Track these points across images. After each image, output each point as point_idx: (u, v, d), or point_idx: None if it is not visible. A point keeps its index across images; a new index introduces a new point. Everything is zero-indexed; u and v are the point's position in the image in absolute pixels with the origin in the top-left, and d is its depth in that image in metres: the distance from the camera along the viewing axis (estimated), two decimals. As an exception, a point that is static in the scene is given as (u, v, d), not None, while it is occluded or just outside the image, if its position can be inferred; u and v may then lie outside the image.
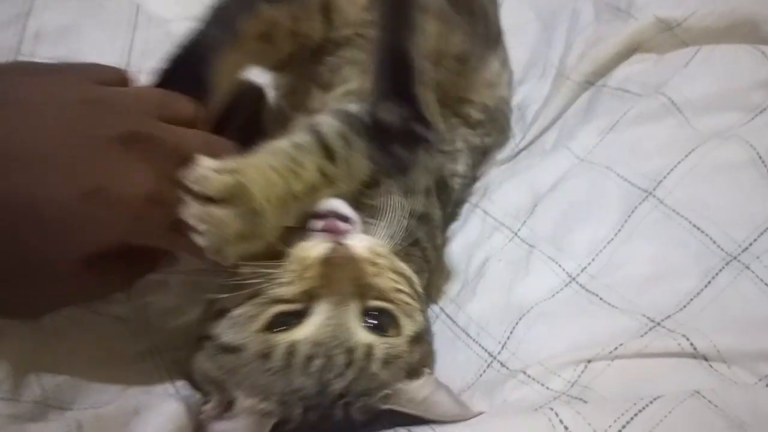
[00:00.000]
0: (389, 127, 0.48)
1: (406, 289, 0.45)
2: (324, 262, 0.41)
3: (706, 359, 0.41)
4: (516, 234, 0.54)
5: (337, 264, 0.42)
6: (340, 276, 0.42)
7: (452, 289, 0.55)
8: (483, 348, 0.50)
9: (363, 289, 0.43)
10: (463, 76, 0.62)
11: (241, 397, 0.41)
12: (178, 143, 0.40)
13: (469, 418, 0.41)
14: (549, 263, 0.50)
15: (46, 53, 0.58)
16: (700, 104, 0.53)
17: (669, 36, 0.58)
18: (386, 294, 0.44)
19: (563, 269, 0.49)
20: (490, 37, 0.67)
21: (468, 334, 0.51)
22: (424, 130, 0.48)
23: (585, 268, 0.49)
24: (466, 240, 0.58)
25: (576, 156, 0.55)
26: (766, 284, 0.43)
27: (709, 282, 0.44)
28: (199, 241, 0.38)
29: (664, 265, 0.46)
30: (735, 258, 0.45)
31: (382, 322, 0.43)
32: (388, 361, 0.41)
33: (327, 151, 0.45)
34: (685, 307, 0.44)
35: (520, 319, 0.48)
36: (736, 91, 0.53)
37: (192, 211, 0.37)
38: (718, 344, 0.41)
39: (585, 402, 0.40)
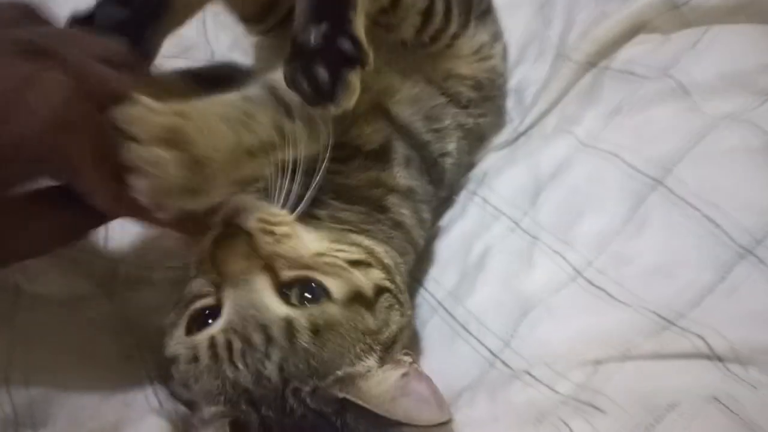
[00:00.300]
0: (310, 47, 0.41)
1: (333, 252, 0.42)
2: (213, 245, 0.39)
3: (721, 360, 0.39)
4: (518, 224, 0.52)
5: (224, 244, 0.39)
6: (230, 254, 0.39)
7: (449, 279, 0.53)
8: (484, 345, 0.47)
9: (268, 262, 0.40)
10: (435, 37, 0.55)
11: (202, 406, 0.39)
12: (101, 77, 0.35)
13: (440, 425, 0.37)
14: (554, 256, 0.48)
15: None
16: (709, 87, 0.51)
17: (675, 15, 0.55)
18: (300, 261, 0.40)
19: (569, 263, 0.47)
20: (473, 6, 0.60)
21: (468, 330, 0.49)
22: (351, 48, 0.41)
23: (592, 262, 0.46)
24: (464, 229, 0.56)
25: (580, 141, 0.53)
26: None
27: (723, 277, 0.42)
28: (137, 184, 0.33)
29: (675, 259, 0.44)
30: (750, 251, 0.43)
31: (314, 292, 0.40)
32: (319, 331, 0.38)
33: (284, 107, 0.41)
34: (698, 304, 0.42)
35: (524, 315, 0.46)
36: (746, 73, 0.51)
37: (133, 150, 0.33)
38: (735, 343, 0.39)
39: (596, 409, 0.37)
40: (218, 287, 0.39)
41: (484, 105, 0.60)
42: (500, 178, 0.57)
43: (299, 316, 0.38)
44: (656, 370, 0.39)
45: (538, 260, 0.48)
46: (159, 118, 0.34)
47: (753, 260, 0.42)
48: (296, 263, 0.40)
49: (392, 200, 0.50)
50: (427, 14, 0.50)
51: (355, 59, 0.41)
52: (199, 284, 0.40)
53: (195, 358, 0.38)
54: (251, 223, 0.40)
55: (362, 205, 0.48)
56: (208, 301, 0.40)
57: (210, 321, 0.39)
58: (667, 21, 0.56)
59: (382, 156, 0.51)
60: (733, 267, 0.42)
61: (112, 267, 0.48)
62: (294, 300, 0.39)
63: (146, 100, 0.34)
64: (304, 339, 0.38)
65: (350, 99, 0.41)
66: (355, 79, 0.41)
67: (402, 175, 0.51)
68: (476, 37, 0.59)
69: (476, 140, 0.61)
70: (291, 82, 0.40)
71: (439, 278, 0.54)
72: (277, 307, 0.39)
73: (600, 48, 0.59)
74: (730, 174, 0.46)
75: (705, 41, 0.53)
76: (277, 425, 0.38)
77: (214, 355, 0.38)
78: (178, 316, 0.40)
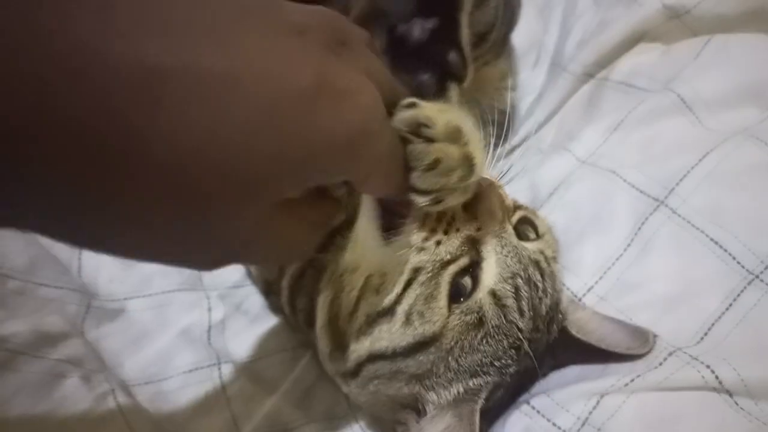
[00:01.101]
0: (413, 41, 0.39)
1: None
2: (470, 203, 0.36)
3: (730, 394, 0.37)
4: (515, 247, 0.49)
5: (484, 197, 0.37)
6: (492, 207, 0.37)
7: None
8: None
9: (506, 211, 0.39)
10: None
11: (439, 394, 0.37)
12: (369, 66, 0.29)
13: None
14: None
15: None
16: (713, 100, 0.49)
17: (677, 24, 0.53)
18: (511, 206, 0.41)
19: (568, 288, 0.45)
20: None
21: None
22: (458, 61, 0.40)
23: (592, 287, 0.44)
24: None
25: (578, 158, 0.51)
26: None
27: (731, 304, 0.40)
28: (419, 182, 0.31)
29: (680, 285, 0.42)
30: (757, 276, 0.41)
31: (526, 230, 0.41)
32: (554, 258, 0.41)
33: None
34: (706, 333, 0.40)
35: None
36: (752, 85, 0.49)
37: (426, 150, 0.31)
38: (744, 376, 0.37)
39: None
40: (472, 244, 0.37)
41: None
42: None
43: (541, 247, 0.40)
44: (662, 404, 0.37)
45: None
46: (444, 117, 0.32)
47: (761, 286, 0.40)
48: (510, 208, 0.40)
49: None
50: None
51: (458, 74, 0.40)
52: (446, 248, 0.36)
53: (479, 321, 0.36)
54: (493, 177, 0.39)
55: None
56: (463, 261, 0.36)
57: (460, 289, 0.37)
58: (670, 30, 0.54)
59: None
60: (741, 293, 0.41)
61: (85, 302, 0.45)
62: (531, 236, 0.41)
63: (425, 102, 0.32)
64: (552, 267, 0.40)
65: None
66: (455, 94, 0.41)
67: None
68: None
69: None
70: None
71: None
72: (529, 245, 0.40)
73: (599, 58, 0.56)
74: (736, 193, 0.44)
75: (708, 52, 0.51)
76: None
77: (502, 310, 0.36)
78: (428, 287, 0.36)
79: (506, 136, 0.50)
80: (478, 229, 0.37)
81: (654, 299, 0.42)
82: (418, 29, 0.39)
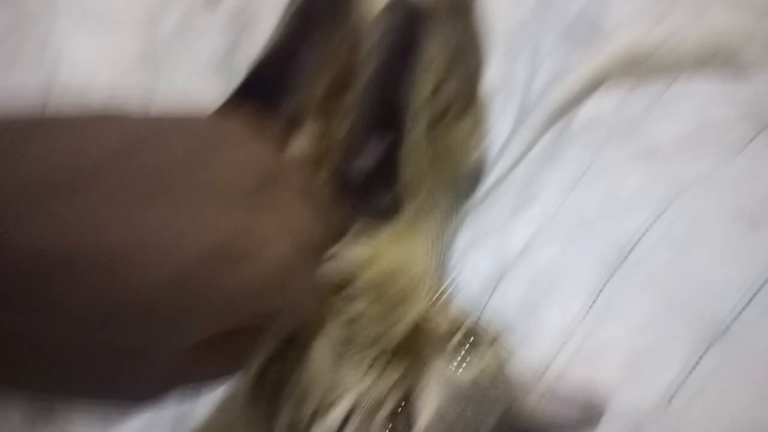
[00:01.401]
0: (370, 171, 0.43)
1: None
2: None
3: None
4: (480, 316, 0.49)
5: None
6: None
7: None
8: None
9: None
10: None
11: None
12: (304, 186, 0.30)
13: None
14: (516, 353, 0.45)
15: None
16: (676, 146, 0.48)
17: (637, 69, 0.53)
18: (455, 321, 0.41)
19: (532, 356, 0.44)
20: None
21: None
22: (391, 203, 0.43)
23: (555, 356, 0.44)
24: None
25: (541, 214, 0.50)
26: (754, 371, 0.39)
27: (692, 371, 0.40)
28: None
29: (641, 350, 0.41)
30: (718, 339, 0.40)
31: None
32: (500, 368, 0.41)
33: None
34: (669, 401, 0.39)
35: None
36: (714, 128, 0.48)
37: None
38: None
39: None
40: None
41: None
42: (466, 260, 0.54)
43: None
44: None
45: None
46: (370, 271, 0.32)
47: (722, 349, 0.40)
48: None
49: None
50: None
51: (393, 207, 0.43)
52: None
53: None
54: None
55: None
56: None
57: None
58: (629, 75, 0.54)
59: None
60: (702, 358, 0.40)
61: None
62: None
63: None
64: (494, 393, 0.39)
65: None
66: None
67: None
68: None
69: None
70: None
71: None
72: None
73: (561, 104, 0.56)
74: (695, 251, 0.43)
75: (670, 95, 0.50)
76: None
77: None
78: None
79: (475, 187, 0.51)
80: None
81: (616, 365, 0.41)
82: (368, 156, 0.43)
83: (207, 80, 0.64)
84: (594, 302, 0.44)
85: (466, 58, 0.57)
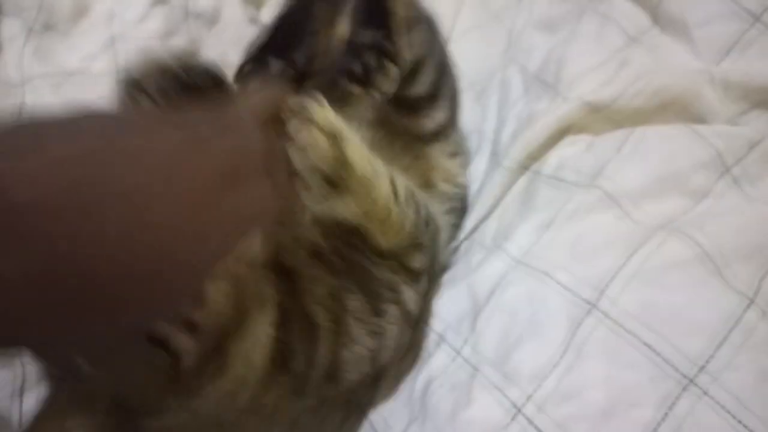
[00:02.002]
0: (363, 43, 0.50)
1: None
2: None
3: None
4: (458, 353, 0.49)
5: None
6: None
7: (399, 422, 0.50)
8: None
9: None
10: None
11: None
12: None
13: None
14: (493, 391, 0.45)
15: None
16: (639, 193, 0.50)
17: (599, 117, 0.55)
18: None
19: (508, 398, 0.45)
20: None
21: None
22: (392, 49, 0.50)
23: (531, 396, 0.44)
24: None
25: (513, 258, 0.51)
26: (728, 413, 0.39)
27: (666, 414, 0.40)
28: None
29: (615, 393, 0.42)
30: (691, 381, 0.41)
31: None
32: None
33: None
34: (645, 445, 0.39)
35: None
36: (675, 175, 0.49)
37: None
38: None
39: None
40: None
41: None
42: (442, 299, 0.55)
43: None
44: None
45: (477, 395, 0.46)
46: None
47: (696, 391, 0.40)
48: None
49: None
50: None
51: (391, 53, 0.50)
52: None
53: None
54: None
55: None
56: None
57: None
58: (593, 123, 0.55)
59: None
60: (677, 401, 0.40)
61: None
62: None
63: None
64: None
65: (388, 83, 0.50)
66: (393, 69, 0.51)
67: None
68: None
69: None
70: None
71: (390, 419, 0.51)
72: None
73: (530, 152, 0.57)
74: (664, 292, 0.44)
75: (630, 144, 0.52)
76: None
77: None
78: None
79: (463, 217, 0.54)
80: None
81: (591, 410, 0.42)
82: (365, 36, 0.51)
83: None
84: (569, 344, 0.44)
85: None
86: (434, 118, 0.58)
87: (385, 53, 0.50)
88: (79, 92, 0.61)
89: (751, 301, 0.43)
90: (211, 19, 0.69)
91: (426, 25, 0.60)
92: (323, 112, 0.42)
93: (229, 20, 0.69)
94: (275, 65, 0.51)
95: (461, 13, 0.77)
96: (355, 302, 0.46)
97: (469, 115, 0.71)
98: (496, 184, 0.59)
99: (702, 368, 0.41)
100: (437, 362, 0.51)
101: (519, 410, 0.44)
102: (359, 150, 0.44)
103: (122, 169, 0.28)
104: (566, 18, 0.64)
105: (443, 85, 0.59)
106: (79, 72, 0.62)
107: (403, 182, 0.49)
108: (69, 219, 0.26)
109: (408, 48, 0.53)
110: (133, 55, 0.64)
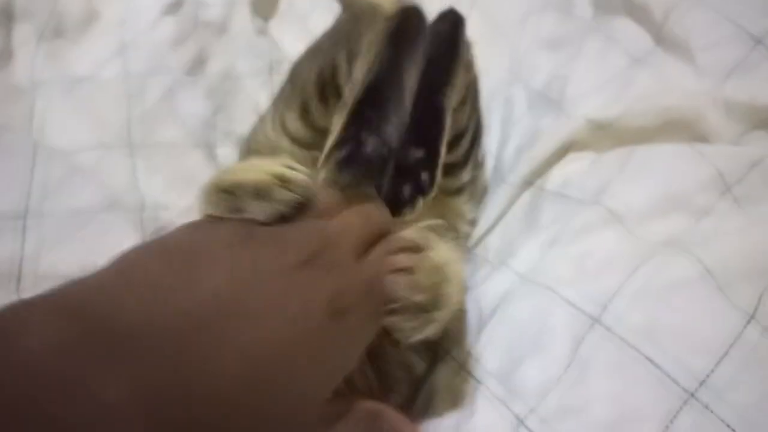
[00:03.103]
0: (405, 163, 0.49)
1: None
2: None
3: None
4: (462, 366, 0.50)
5: None
6: None
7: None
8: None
9: None
10: None
11: None
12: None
13: None
14: (496, 404, 0.46)
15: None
16: (642, 211, 0.50)
17: (603, 135, 0.56)
18: None
19: (511, 411, 0.45)
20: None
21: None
22: (428, 181, 0.50)
23: (534, 409, 0.45)
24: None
25: (518, 274, 0.52)
26: (729, 427, 0.40)
27: (668, 427, 0.41)
28: None
29: (618, 408, 0.42)
30: (693, 395, 0.41)
31: None
32: None
33: None
34: (646, 460, 0.40)
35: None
36: (677, 193, 0.50)
37: None
38: None
39: None
40: None
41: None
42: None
43: None
44: None
45: (480, 407, 0.46)
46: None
47: (697, 406, 0.41)
48: None
49: None
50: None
51: (428, 188, 0.49)
52: None
53: None
54: None
55: None
56: None
57: None
58: (597, 140, 0.56)
59: None
60: (678, 415, 0.41)
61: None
62: None
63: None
64: None
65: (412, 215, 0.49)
66: (421, 204, 0.49)
67: None
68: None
69: None
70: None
71: None
72: None
73: (534, 168, 0.58)
74: (666, 309, 0.45)
75: (633, 163, 0.53)
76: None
77: None
78: None
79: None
80: None
81: (594, 424, 0.42)
82: (411, 155, 0.49)
83: (191, 141, 0.65)
84: (573, 357, 0.45)
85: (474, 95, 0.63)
86: (461, 179, 0.59)
87: (422, 188, 0.49)
88: (89, 99, 0.62)
89: (751, 317, 0.43)
90: (221, 28, 0.69)
91: (472, 96, 0.61)
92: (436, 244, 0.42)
93: (238, 30, 0.70)
94: (371, 143, 0.46)
95: (467, 30, 0.78)
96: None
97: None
98: (500, 200, 0.60)
99: (702, 383, 0.42)
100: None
101: (522, 423, 0.45)
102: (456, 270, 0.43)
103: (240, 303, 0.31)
104: (571, 37, 0.66)
105: (474, 152, 0.61)
106: (89, 78, 0.63)
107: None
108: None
109: (453, 127, 0.55)
110: (144, 61, 0.65)
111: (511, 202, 0.59)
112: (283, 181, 0.37)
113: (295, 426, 0.33)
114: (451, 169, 0.58)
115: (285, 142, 0.57)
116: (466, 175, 0.60)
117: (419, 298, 0.39)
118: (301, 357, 0.32)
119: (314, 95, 0.56)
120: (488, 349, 0.50)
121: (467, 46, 0.58)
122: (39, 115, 0.60)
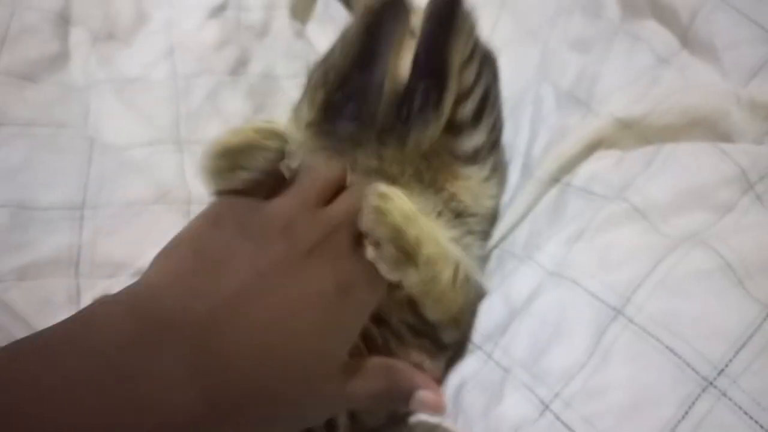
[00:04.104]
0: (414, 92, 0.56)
1: None
2: None
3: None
4: (490, 356, 0.52)
5: None
6: None
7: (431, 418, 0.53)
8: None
9: None
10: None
11: None
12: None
13: None
14: (523, 390, 0.48)
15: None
16: (666, 206, 0.52)
17: (630, 133, 0.57)
18: None
19: (537, 396, 0.48)
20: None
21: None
22: (437, 100, 0.56)
23: (558, 393, 0.47)
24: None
25: (544, 268, 0.54)
26: (746, 413, 0.42)
27: (686, 412, 0.43)
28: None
29: (638, 392, 0.44)
30: (711, 383, 0.43)
31: None
32: None
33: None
34: (664, 442, 0.42)
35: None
36: (702, 190, 0.52)
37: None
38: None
39: None
40: None
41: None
42: (479, 311, 0.58)
43: None
44: None
45: (507, 393, 0.49)
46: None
47: (715, 393, 0.43)
48: None
49: None
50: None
51: (437, 108, 0.56)
52: None
53: None
54: None
55: None
56: None
57: None
58: (623, 138, 0.58)
59: None
60: (696, 401, 0.43)
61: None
62: None
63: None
64: None
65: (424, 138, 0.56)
66: (432, 127, 0.57)
67: None
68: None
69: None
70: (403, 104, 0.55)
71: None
72: None
73: (561, 165, 0.60)
74: (687, 300, 0.47)
75: (659, 160, 0.55)
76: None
77: None
78: None
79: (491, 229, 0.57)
80: None
81: (615, 407, 0.44)
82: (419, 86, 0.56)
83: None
84: (596, 346, 0.47)
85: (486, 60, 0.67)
86: (472, 140, 0.62)
87: (435, 106, 0.56)
88: (140, 98, 0.66)
89: (771, 311, 0.45)
90: (262, 31, 0.73)
91: (478, 59, 0.65)
92: (398, 199, 0.46)
93: (278, 33, 0.73)
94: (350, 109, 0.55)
95: (497, 30, 0.81)
96: None
97: (505, 126, 0.75)
98: (528, 195, 0.62)
99: (721, 371, 0.43)
100: (469, 367, 0.54)
101: (547, 406, 0.47)
102: (430, 232, 0.48)
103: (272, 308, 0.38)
104: (598, 38, 0.67)
105: (486, 114, 0.64)
106: (139, 79, 0.67)
107: (465, 268, 0.53)
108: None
109: (457, 82, 0.58)
110: (190, 63, 0.68)
111: (539, 198, 0.61)
112: (264, 133, 0.44)
113: (318, 379, 0.39)
114: (459, 128, 0.61)
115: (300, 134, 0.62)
116: (477, 137, 0.63)
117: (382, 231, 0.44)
118: (316, 327, 0.39)
119: (321, 80, 0.62)
120: (515, 340, 0.52)
121: (467, 15, 0.61)
122: (94, 113, 0.64)
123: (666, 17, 0.62)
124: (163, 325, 0.33)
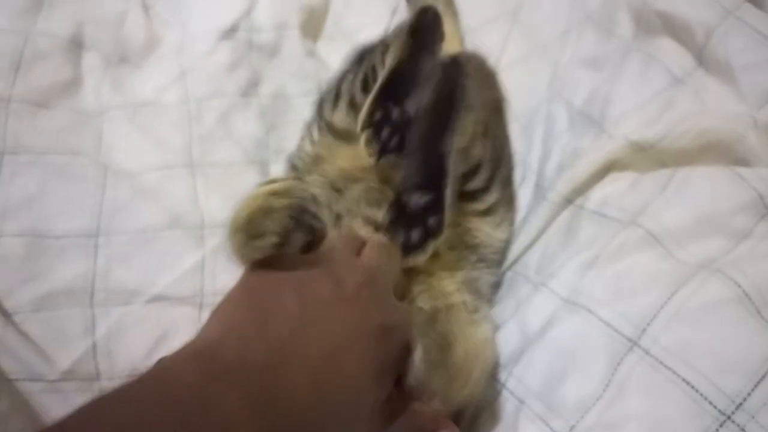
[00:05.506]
0: (410, 209, 0.55)
1: None
2: None
3: None
4: (504, 385, 0.52)
5: None
6: None
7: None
8: None
9: None
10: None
11: None
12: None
13: None
14: (538, 422, 0.48)
15: (12, 228, 0.57)
16: (681, 232, 0.52)
17: (644, 156, 0.57)
18: None
19: (552, 429, 0.47)
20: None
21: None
22: (436, 225, 0.55)
23: (573, 426, 0.47)
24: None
25: (558, 296, 0.54)
26: (765, 450, 0.41)
27: (705, 446, 0.42)
28: None
29: (655, 427, 0.44)
30: (729, 417, 0.43)
31: None
32: None
33: None
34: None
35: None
36: (718, 216, 0.51)
37: None
38: None
39: None
40: None
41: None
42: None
43: None
44: None
45: (522, 425, 0.49)
46: None
47: (733, 428, 0.42)
48: None
49: None
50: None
51: (437, 233, 0.55)
52: None
53: None
54: None
55: None
56: None
57: None
58: (637, 161, 0.57)
59: None
60: (714, 435, 0.43)
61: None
62: None
63: None
64: None
65: (424, 258, 0.55)
66: (432, 247, 0.55)
67: None
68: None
69: None
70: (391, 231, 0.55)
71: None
72: None
73: (575, 187, 0.60)
74: (703, 331, 0.46)
75: (673, 185, 0.54)
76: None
77: None
78: None
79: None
80: None
81: (631, 440, 0.44)
82: (413, 201, 0.56)
83: (247, 159, 0.69)
84: (611, 378, 0.47)
85: (494, 124, 0.67)
86: (486, 202, 0.62)
87: (431, 233, 0.55)
88: (152, 122, 0.66)
89: (789, 342, 0.44)
90: (272, 51, 0.73)
91: (489, 132, 0.65)
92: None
93: (289, 53, 0.73)
94: (395, 113, 0.58)
95: (508, 46, 0.80)
96: None
97: (514, 146, 0.74)
98: (540, 217, 0.62)
99: (739, 406, 0.43)
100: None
101: (563, 438, 0.47)
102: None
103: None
104: (611, 55, 0.66)
105: (498, 175, 0.64)
106: (151, 103, 0.67)
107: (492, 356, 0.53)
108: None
109: (466, 163, 0.59)
110: (202, 85, 0.69)
111: (551, 220, 0.61)
112: (277, 194, 0.44)
113: (361, 416, 0.41)
114: (474, 195, 0.61)
115: (329, 140, 0.64)
116: (492, 197, 0.62)
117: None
118: (362, 363, 0.41)
119: (359, 88, 0.63)
120: (529, 371, 0.52)
121: (467, 89, 0.59)
122: (107, 138, 0.64)
123: (681, 35, 0.61)
124: (225, 373, 0.35)
